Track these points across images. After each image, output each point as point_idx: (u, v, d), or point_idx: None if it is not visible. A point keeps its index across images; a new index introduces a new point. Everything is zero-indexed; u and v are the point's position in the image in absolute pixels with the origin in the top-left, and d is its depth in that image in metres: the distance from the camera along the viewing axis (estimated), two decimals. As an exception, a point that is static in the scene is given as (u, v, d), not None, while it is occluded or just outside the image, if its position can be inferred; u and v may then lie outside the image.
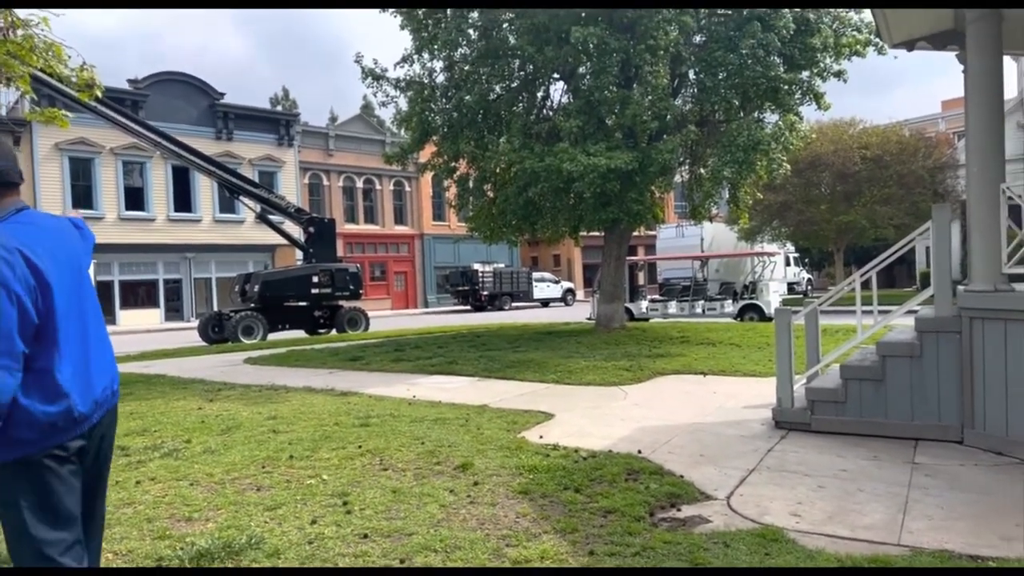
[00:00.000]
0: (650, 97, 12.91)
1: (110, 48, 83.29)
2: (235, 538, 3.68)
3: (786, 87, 13.74)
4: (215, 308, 27.50)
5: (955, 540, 3.56)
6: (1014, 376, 5.09)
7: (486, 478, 4.72)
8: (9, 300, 1.97)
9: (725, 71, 13.28)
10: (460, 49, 14.89)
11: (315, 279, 20.14)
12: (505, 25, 14.50)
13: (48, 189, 27.64)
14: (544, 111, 15.58)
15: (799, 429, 6.05)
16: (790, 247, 30.80)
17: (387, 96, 15.74)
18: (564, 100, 15.42)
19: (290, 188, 33.90)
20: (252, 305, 19.39)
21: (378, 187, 39.16)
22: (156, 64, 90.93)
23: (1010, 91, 25.33)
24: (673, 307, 20.74)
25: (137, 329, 27.64)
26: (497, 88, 15.13)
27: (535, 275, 38.81)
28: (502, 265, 38.29)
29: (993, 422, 5.25)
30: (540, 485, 4.52)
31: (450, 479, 4.74)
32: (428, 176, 19.18)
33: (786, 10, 13.22)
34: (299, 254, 22.80)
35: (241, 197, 20.82)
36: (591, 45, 12.74)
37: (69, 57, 5.97)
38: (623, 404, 7.53)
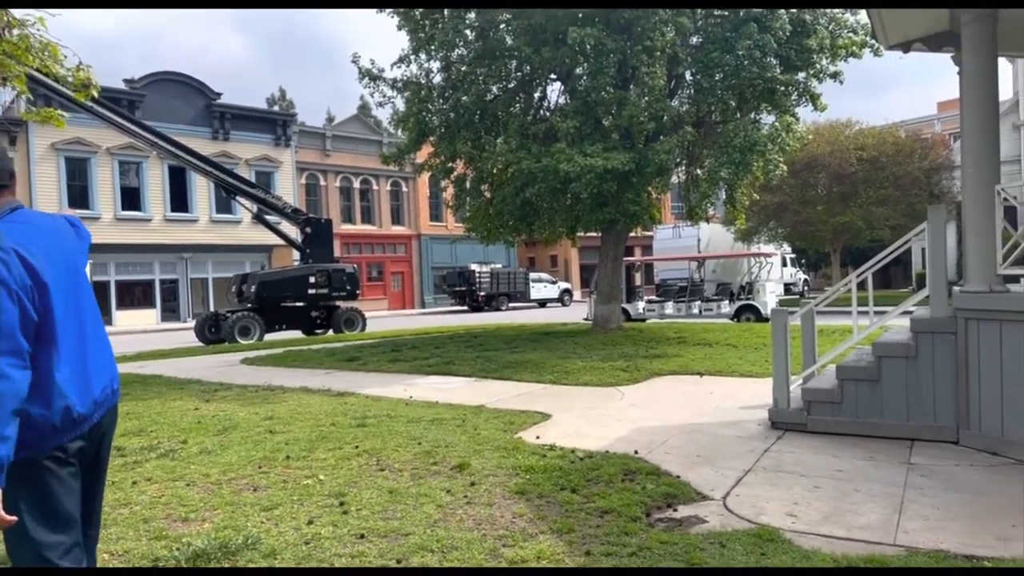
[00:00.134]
0: (647, 98, 12.93)
1: (107, 48, 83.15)
2: (231, 539, 3.68)
3: (782, 88, 13.78)
4: (212, 308, 27.41)
5: (951, 540, 3.57)
6: (1009, 377, 5.11)
7: (483, 478, 4.73)
8: (10, 298, 1.97)
9: (722, 72, 13.31)
10: (457, 50, 14.90)
11: (312, 279, 20.13)
12: (502, 26, 14.51)
13: (44, 189, 27.55)
14: (541, 112, 15.60)
15: (795, 429, 6.06)
16: (787, 248, 30.86)
17: (384, 96, 15.77)
18: (561, 101, 15.44)
19: (287, 188, 33.86)
20: (249, 305, 19.37)
21: (375, 187, 39.14)
22: (153, 64, 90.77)
23: (1005, 92, 25.43)
24: (670, 308, 20.77)
25: (133, 329, 27.57)
26: (494, 89, 15.14)
27: (532, 276, 38.81)
28: (499, 265, 38.29)
29: (988, 423, 5.27)
30: (537, 485, 4.52)
31: (447, 479, 4.75)
32: (425, 176, 19.18)
33: (782, 11, 13.26)
34: (296, 254, 22.79)
35: (238, 197, 20.80)
36: (588, 46, 12.76)
37: (65, 57, 5.97)
38: (620, 404, 7.54)
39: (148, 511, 4.24)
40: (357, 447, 5.65)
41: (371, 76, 15.52)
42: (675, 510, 4.13)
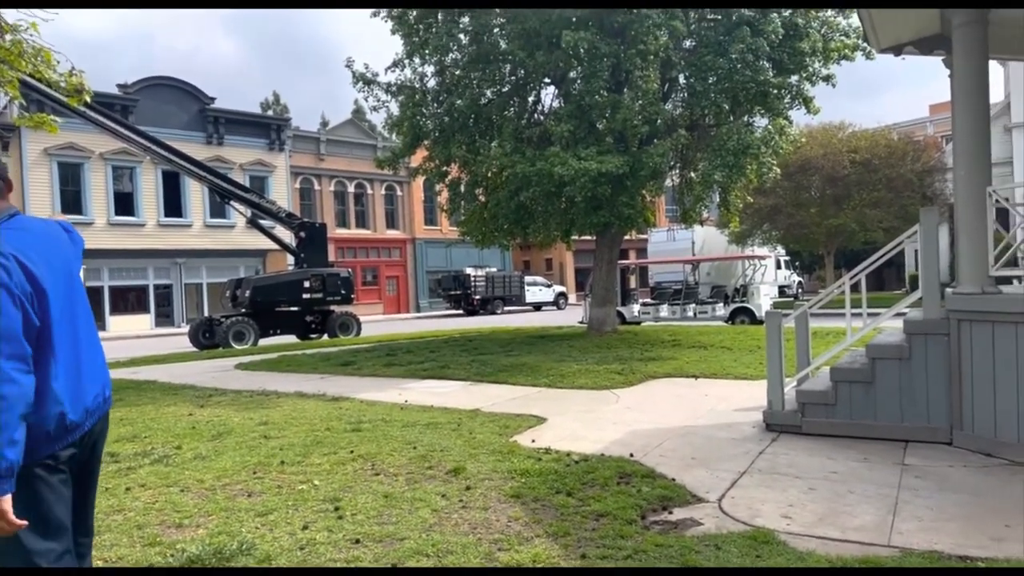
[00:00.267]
0: (640, 101, 12.96)
1: (101, 52, 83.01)
2: (226, 544, 3.66)
3: (775, 91, 13.83)
4: (206, 313, 27.38)
5: (945, 541, 3.59)
6: (1002, 378, 5.13)
7: (478, 482, 4.72)
8: (13, 302, 1.98)
9: (715, 75, 13.36)
10: (451, 54, 14.91)
11: (306, 284, 20.10)
12: (496, 30, 14.53)
13: (37, 194, 27.47)
14: (535, 115, 15.62)
15: (790, 431, 6.07)
16: (780, 250, 30.96)
17: (378, 101, 15.76)
18: (555, 104, 15.46)
19: (281, 193, 33.80)
20: (243, 310, 19.32)
21: (369, 191, 39.12)
22: (147, 69, 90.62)
23: (996, 95, 25.61)
24: (665, 310, 20.81)
25: (127, 335, 27.47)
26: (488, 93, 15.15)
27: (527, 279, 38.83)
28: (494, 269, 38.28)
29: (982, 424, 5.29)
30: (532, 489, 4.52)
31: (442, 484, 4.74)
32: (420, 180, 19.17)
33: (775, 15, 13.32)
34: (290, 259, 22.75)
35: (232, 202, 20.76)
36: (582, 50, 12.79)
37: (58, 62, 5.96)
38: (615, 408, 7.54)
39: (142, 517, 4.23)
40: (352, 452, 5.64)
41: (365, 80, 15.52)
42: (670, 513, 4.13)
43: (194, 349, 18.46)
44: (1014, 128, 24.93)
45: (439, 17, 14.68)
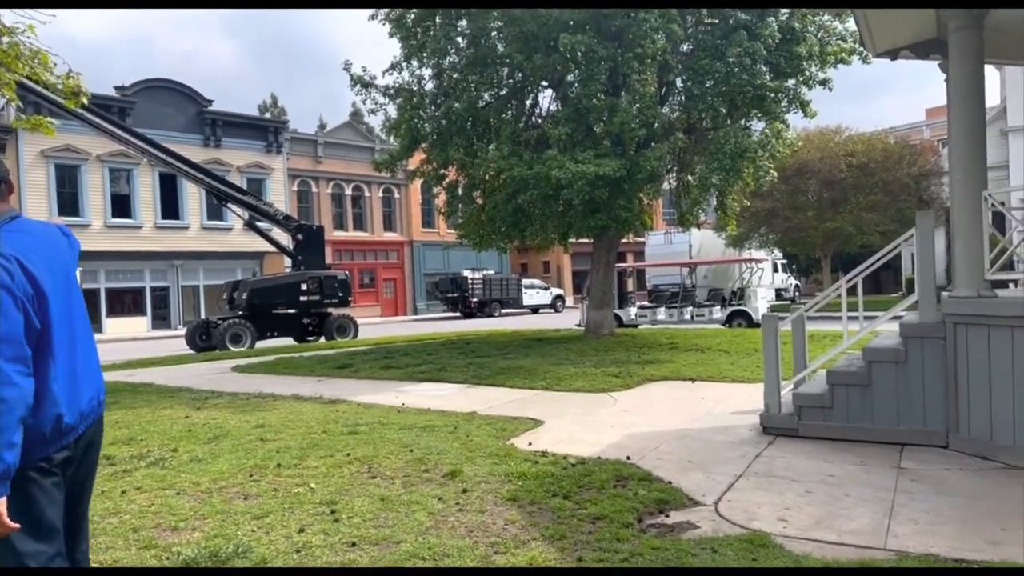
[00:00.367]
0: (638, 105, 12.98)
1: (98, 55, 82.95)
2: (222, 547, 3.66)
3: (772, 95, 13.87)
4: (203, 316, 27.35)
5: (941, 544, 3.59)
6: (998, 381, 5.14)
7: (475, 485, 4.72)
8: (15, 305, 1.98)
9: (712, 79, 13.38)
10: (449, 57, 14.94)
11: (304, 286, 20.07)
12: (494, 33, 14.56)
13: (34, 196, 27.42)
14: (533, 119, 15.64)
15: (787, 435, 6.08)
16: (778, 253, 31.00)
17: (376, 103, 15.76)
18: (553, 108, 15.49)
19: (278, 195, 33.79)
20: (240, 313, 19.28)
21: (367, 194, 39.12)
22: (145, 71, 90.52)
23: (992, 99, 25.67)
24: (662, 313, 20.83)
25: (124, 337, 27.42)
26: (486, 96, 15.17)
27: (524, 282, 38.83)
28: (492, 272, 38.27)
29: (978, 427, 5.30)
30: (529, 492, 4.52)
31: (439, 487, 4.73)
32: (417, 183, 19.20)
33: (772, 19, 13.37)
34: (288, 261, 22.72)
35: (229, 204, 20.73)
36: (579, 53, 12.81)
37: (55, 64, 5.95)
38: (612, 410, 7.54)
39: (138, 520, 4.21)
40: (349, 455, 5.63)
41: (363, 83, 15.53)
42: (667, 516, 4.13)
43: (191, 351, 18.43)
44: (1010, 132, 25.01)
45: (437, 20, 14.71)
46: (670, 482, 4.74)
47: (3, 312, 1.96)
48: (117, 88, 30.39)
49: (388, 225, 40.33)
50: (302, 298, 20.05)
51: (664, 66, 13.89)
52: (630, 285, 25.07)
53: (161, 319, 31.36)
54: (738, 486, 4.69)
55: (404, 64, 15.37)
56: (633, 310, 21.50)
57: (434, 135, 15.15)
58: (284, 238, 22.54)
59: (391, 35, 15.22)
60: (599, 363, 11.08)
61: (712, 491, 4.57)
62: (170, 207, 31.52)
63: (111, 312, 29.84)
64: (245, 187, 25.80)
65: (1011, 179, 23.62)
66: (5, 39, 5.67)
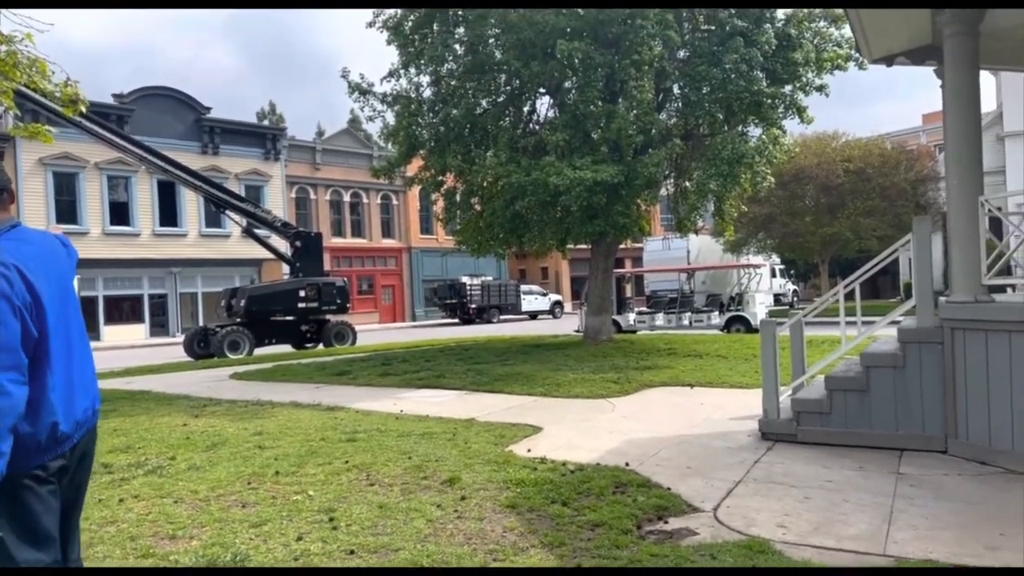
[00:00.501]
0: (635, 111, 13.02)
1: (96, 63, 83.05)
2: (220, 556, 3.65)
3: (769, 101, 13.92)
4: (201, 323, 27.29)
5: (940, 549, 3.59)
6: (996, 386, 5.15)
7: (473, 492, 4.71)
8: (13, 313, 1.99)
9: (709, 85, 13.43)
10: (447, 64, 14.99)
11: (302, 293, 20.05)
12: (491, 40, 14.61)
13: (32, 204, 27.40)
14: (530, 125, 15.68)
15: (785, 440, 6.08)
16: (775, 259, 31.02)
17: (374, 110, 15.82)
18: (550, 114, 15.52)
19: (277, 202, 33.79)
20: (238, 320, 19.26)
21: (365, 201, 39.14)
22: (143, 79, 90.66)
23: (988, 104, 25.79)
24: (660, 319, 20.81)
25: (122, 345, 27.35)
26: (484, 102, 15.21)
27: (523, 288, 38.83)
28: (490, 278, 38.28)
29: (976, 432, 5.30)
30: (528, 499, 4.51)
31: (437, 494, 4.72)
32: (415, 190, 19.24)
33: (768, 26, 13.43)
34: (286, 268, 22.71)
35: (227, 212, 20.75)
36: (576, 60, 12.86)
37: (53, 72, 5.96)
38: (611, 417, 7.54)
39: (135, 529, 4.20)
40: (347, 462, 5.62)
41: (361, 90, 15.58)
42: (666, 522, 4.12)
43: (189, 359, 18.40)
44: (1007, 137, 25.08)
45: (435, 28, 14.76)
46: (669, 488, 4.74)
47: (1, 320, 1.96)
48: (115, 96, 30.43)
49: (386, 232, 40.35)
50: (300, 305, 20.03)
51: (661, 73, 13.94)
52: (628, 291, 25.12)
53: (159, 326, 31.30)
54: (737, 492, 4.69)
55: (402, 71, 15.43)
56: (631, 316, 21.49)
57: (432, 142, 15.19)
58: (282, 245, 22.54)
59: (389, 43, 15.28)
60: (598, 369, 11.07)
61: (711, 497, 4.57)
62: (168, 214, 31.51)
63: (109, 320, 29.79)
64: (243, 194, 25.83)
65: (1008, 184, 23.67)
66: (3, 47, 5.68)
